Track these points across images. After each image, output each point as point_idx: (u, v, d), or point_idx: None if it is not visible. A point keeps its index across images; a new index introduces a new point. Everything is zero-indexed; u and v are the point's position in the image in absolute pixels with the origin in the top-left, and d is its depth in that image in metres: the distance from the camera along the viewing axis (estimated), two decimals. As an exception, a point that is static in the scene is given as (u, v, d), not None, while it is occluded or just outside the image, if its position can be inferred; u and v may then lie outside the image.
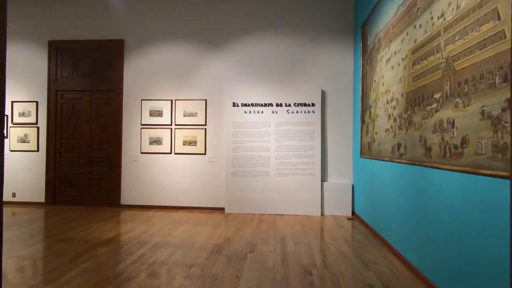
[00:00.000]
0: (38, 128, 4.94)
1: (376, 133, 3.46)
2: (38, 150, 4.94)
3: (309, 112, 4.52)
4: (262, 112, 4.58)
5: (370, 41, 3.73)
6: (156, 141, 4.79)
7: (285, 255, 2.77)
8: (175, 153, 4.75)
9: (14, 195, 4.95)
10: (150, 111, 4.81)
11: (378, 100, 3.40)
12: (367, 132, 3.83)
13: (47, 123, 4.91)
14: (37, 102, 4.94)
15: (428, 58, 2.21)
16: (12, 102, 4.97)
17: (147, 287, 2.11)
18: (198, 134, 4.72)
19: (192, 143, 4.73)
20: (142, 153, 4.81)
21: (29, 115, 4.95)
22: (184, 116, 4.75)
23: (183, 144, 4.74)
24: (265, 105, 4.58)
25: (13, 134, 4.96)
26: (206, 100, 4.73)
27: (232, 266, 2.51)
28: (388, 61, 3.10)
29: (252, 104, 4.59)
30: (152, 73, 4.82)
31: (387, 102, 3.11)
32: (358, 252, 2.89)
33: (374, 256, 2.77)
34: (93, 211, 4.50)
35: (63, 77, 4.94)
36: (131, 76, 4.85)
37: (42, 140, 4.94)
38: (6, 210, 4.53)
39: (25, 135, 4.95)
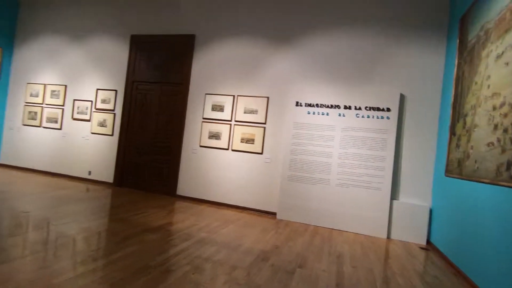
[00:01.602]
0: (114, 114, 5.38)
1: (472, 148, 2.77)
2: (112, 135, 5.38)
3: (382, 117, 3.95)
4: (327, 114, 4.17)
5: (473, 35, 3.04)
6: (215, 136, 4.77)
7: (341, 278, 2.35)
8: (232, 150, 4.66)
9: (90, 173, 5.48)
10: (212, 106, 4.82)
11: (479, 106, 2.72)
12: (458, 146, 3.13)
13: (122, 111, 5.32)
14: (116, 91, 5.40)
15: None
16: (97, 89, 5.52)
17: (185, 284, 1.95)
18: (257, 132, 4.55)
19: (250, 141, 4.57)
20: (201, 146, 4.85)
21: (109, 102, 5.43)
22: (244, 112, 4.63)
23: (241, 141, 4.62)
24: (332, 106, 4.16)
25: (95, 118, 5.50)
26: (268, 98, 4.53)
27: (278, 279, 2.20)
28: (499, 56, 2.44)
29: (317, 105, 4.22)
30: (218, 67, 4.83)
31: (494, 109, 2.44)
32: (437, 292, 2.30)
33: (459, 302, 2.16)
34: (151, 198, 4.66)
35: (140, 69, 5.30)
36: (198, 70, 4.94)
37: (116, 125, 5.37)
38: (81, 186, 5.01)
39: (104, 120, 5.44)
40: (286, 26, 4.51)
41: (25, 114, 6.10)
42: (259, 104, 4.56)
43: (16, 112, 6.20)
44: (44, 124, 5.92)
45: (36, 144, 5.95)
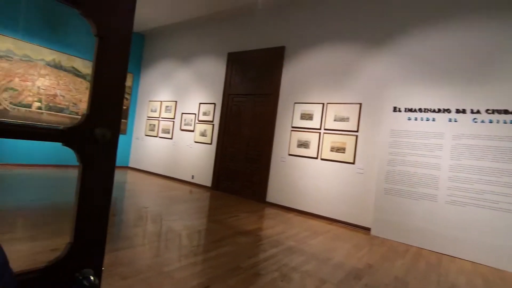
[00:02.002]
0: (213, 125, 5.99)
1: None
2: (211, 143, 5.99)
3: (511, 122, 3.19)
4: (433, 120, 3.63)
5: None
6: (304, 145, 4.75)
7: (455, 315, 1.96)
8: (321, 159, 4.54)
9: (193, 177, 6.22)
10: (301, 114, 4.83)
11: None
12: None
13: (219, 122, 5.88)
14: (214, 104, 6.01)
15: None
16: (199, 103, 6.27)
17: (272, 290, 1.98)
18: (348, 140, 4.31)
19: (341, 150, 4.37)
20: (289, 155, 4.90)
21: (209, 114, 6.08)
22: (334, 120, 4.47)
23: (331, 150, 4.46)
24: (439, 111, 3.60)
25: (197, 129, 6.25)
26: (360, 104, 4.25)
27: (373, 302, 2.00)
28: None
29: (420, 110, 3.72)
30: (307, 76, 4.83)
31: None
32: None
33: None
34: (243, 202, 4.95)
35: (234, 83, 5.77)
36: (287, 80, 5.06)
37: (214, 135, 5.96)
38: (186, 188, 5.73)
39: (204, 130, 6.12)
40: (379, 27, 4.18)
41: (146, 127, 7.41)
42: (351, 111, 4.33)
43: (141, 125, 7.60)
44: (160, 134, 7.06)
45: (154, 151, 7.13)
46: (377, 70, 4.17)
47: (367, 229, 3.99)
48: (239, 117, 5.64)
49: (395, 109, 3.90)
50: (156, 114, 7.21)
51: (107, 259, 2.16)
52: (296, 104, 4.90)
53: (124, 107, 7.49)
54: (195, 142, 6.27)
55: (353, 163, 4.23)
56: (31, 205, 3.45)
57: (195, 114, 6.35)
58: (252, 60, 5.54)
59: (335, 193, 4.35)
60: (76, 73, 6.35)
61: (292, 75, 5.01)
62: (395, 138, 3.85)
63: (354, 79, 4.35)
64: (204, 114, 6.17)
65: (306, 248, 2.96)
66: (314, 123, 4.67)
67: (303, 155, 4.73)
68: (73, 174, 5.39)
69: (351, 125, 4.31)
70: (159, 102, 7.16)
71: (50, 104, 6.01)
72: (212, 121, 6.02)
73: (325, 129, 4.55)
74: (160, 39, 7.41)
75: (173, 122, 6.80)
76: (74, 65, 6.32)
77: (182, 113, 6.61)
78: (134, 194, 4.80)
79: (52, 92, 6.03)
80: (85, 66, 6.45)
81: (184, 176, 6.38)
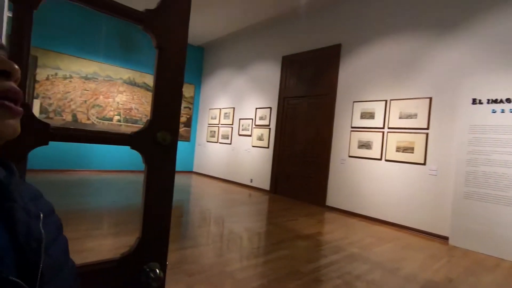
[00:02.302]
0: (269, 129, 6.05)
1: None
2: (268, 147, 6.06)
3: None
4: (526, 111, 3.06)
5: None
6: (365, 145, 4.47)
7: None
8: (386, 160, 4.20)
9: (251, 180, 6.36)
10: (361, 113, 4.56)
11: None
12: None
13: (275, 125, 5.92)
14: (270, 108, 6.07)
15: None
16: (256, 108, 6.41)
17: (334, 298, 1.88)
18: (417, 139, 3.91)
19: (408, 149, 3.98)
20: (349, 156, 4.66)
21: (265, 118, 6.17)
22: (400, 118, 4.11)
23: (396, 151, 4.10)
24: (535, 99, 3.02)
25: (254, 133, 6.38)
26: (430, 99, 3.83)
27: (454, 321, 1.75)
28: None
29: (508, 100, 3.18)
30: (366, 73, 4.55)
31: None
32: None
33: None
34: (301, 206, 4.87)
35: (289, 85, 5.76)
36: (344, 79, 4.84)
37: (271, 139, 6.01)
38: (245, 191, 5.88)
39: (261, 135, 6.22)
40: (449, 9, 3.71)
41: (208, 133, 7.86)
42: (419, 107, 3.92)
43: (202, 132, 8.10)
44: (220, 140, 7.41)
45: (215, 156, 7.51)
46: (449, 58, 3.71)
47: (443, 238, 3.54)
48: (295, 119, 5.59)
49: (474, 101, 3.40)
50: (216, 121, 7.60)
51: (174, 256, 2.33)
52: (355, 103, 4.65)
53: (188, 117, 8.08)
54: (253, 146, 6.40)
55: (424, 163, 3.81)
56: (114, 206, 3.94)
57: (252, 119, 6.51)
58: (306, 61, 5.46)
59: (403, 197, 3.97)
60: (147, 87, 7.09)
61: (349, 73, 4.78)
62: (476, 135, 3.35)
63: (421, 72, 3.94)
64: (261, 118, 6.28)
65: (371, 256, 2.75)
66: (376, 122, 4.36)
67: (365, 157, 4.45)
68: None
69: (419, 122, 3.91)
70: (218, 110, 7.53)
71: (127, 117, 6.82)
72: (268, 125, 6.09)
73: (389, 128, 4.21)
74: (218, 50, 7.82)
75: (232, 128, 7.07)
76: (145, 81, 7.07)
77: (240, 119, 6.83)
78: (198, 197, 5.12)
79: (128, 106, 6.84)
80: (154, 81, 7.16)
81: (243, 180, 6.56)
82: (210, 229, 3.21)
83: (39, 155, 5.50)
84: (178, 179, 6.22)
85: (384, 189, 4.18)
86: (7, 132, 0.32)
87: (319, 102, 5.20)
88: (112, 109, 6.60)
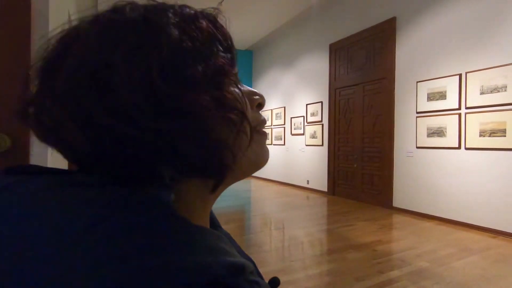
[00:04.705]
0: (322, 125, 5.57)
1: None
2: (322, 145, 5.58)
3: None
4: None
5: None
6: (437, 132, 3.67)
7: None
8: (466, 148, 3.36)
9: (308, 182, 5.95)
10: (428, 95, 3.78)
11: None
12: None
13: (328, 120, 5.41)
14: (321, 102, 5.59)
15: None
16: (306, 104, 6.00)
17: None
18: (509, 118, 3.00)
19: (497, 132, 3.09)
20: (417, 147, 3.89)
21: (317, 114, 5.71)
22: (481, 93, 3.23)
23: (480, 135, 3.23)
24: None
25: (307, 131, 5.97)
26: (525, 62, 2.90)
27: None
28: None
29: None
30: (431, 45, 3.75)
31: None
32: None
33: None
34: (363, 208, 4.27)
35: (340, 75, 5.20)
36: (404, 58, 4.10)
37: (325, 135, 5.51)
38: (302, 194, 5.51)
39: (314, 132, 5.77)
40: None
41: (262, 136, 7.72)
42: (508, 76, 3.01)
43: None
44: (274, 142, 7.19)
45: (270, 158, 7.30)
46: (549, 5, 2.75)
47: None
48: (349, 111, 5.01)
49: None
50: (268, 123, 7.42)
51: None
52: (419, 83, 3.88)
53: (241, 121, 8.10)
54: (306, 145, 6.00)
55: (523, 149, 2.89)
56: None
57: (303, 116, 6.11)
58: (356, 44, 4.84)
59: (494, 194, 3.09)
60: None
61: (409, 49, 4.03)
62: None
63: (506, 31, 3.03)
64: (312, 115, 5.84)
65: (446, 273, 2.14)
66: (449, 102, 3.54)
67: (438, 146, 3.65)
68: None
69: (511, 95, 3.00)
70: (270, 111, 7.34)
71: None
72: (321, 121, 5.61)
73: (467, 108, 3.36)
74: (265, 50, 7.66)
75: (284, 128, 6.78)
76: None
77: (291, 118, 6.50)
78: (255, 201, 5.03)
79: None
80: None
81: (299, 181, 6.20)
82: (271, 233, 3.00)
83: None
84: (238, 184, 6.21)
85: (466, 185, 3.33)
86: (267, 157, 0.35)
87: (376, 88, 4.54)
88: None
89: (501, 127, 3.07)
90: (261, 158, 0.34)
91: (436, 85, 3.69)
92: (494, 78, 3.13)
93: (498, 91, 3.10)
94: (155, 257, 0.18)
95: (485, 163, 3.18)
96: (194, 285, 0.18)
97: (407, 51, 4.05)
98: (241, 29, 6.63)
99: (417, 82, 3.91)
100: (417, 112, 3.91)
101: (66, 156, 0.27)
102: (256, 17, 6.06)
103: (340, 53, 5.17)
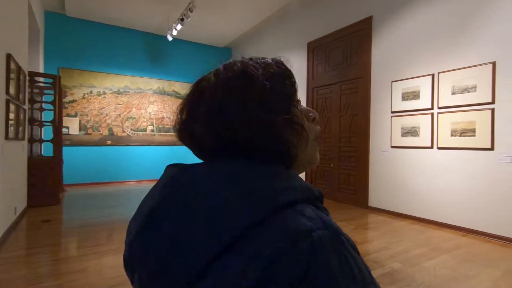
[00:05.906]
0: (300, 124, 5.52)
1: None
2: (300, 144, 5.53)
3: None
4: None
5: None
6: (411, 132, 3.69)
7: None
8: (438, 148, 3.39)
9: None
10: (402, 94, 3.80)
11: None
12: None
13: (306, 119, 5.36)
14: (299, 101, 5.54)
15: None
16: (285, 103, 5.93)
17: None
18: (478, 118, 3.05)
19: (467, 132, 3.14)
20: (392, 147, 3.91)
21: (295, 113, 5.65)
22: (453, 94, 3.27)
23: (452, 135, 3.27)
24: None
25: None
26: (493, 64, 2.95)
27: None
28: None
29: None
30: (405, 46, 3.77)
31: None
32: None
33: None
34: (340, 208, 4.25)
35: (318, 74, 5.17)
36: (379, 57, 4.11)
37: (303, 135, 5.46)
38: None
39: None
40: None
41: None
42: (479, 76, 3.06)
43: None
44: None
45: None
46: (516, 7, 2.80)
47: (530, 246, 2.65)
48: (327, 110, 4.98)
49: (560, 58, 2.48)
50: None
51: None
52: (394, 83, 3.90)
53: (220, 120, 7.94)
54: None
55: (492, 148, 2.95)
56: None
57: (281, 115, 6.04)
58: (333, 44, 4.82)
59: (464, 193, 3.13)
60: (177, 95, 7.12)
61: (385, 48, 4.04)
62: None
63: (480, 31, 3.08)
64: (290, 113, 5.77)
65: (417, 274, 2.11)
66: (422, 102, 3.57)
67: (412, 146, 3.68)
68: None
69: (480, 95, 3.05)
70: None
71: (160, 126, 6.92)
72: (298, 120, 5.55)
73: (439, 108, 3.40)
74: (243, 48, 7.53)
75: (263, 127, 6.69)
76: (175, 88, 7.12)
77: (270, 117, 6.41)
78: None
79: (160, 116, 6.93)
80: (183, 88, 7.17)
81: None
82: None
83: (80, 170, 5.84)
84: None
85: (438, 184, 3.37)
86: (318, 159, 0.47)
87: (352, 88, 4.53)
88: (145, 119, 6.75)
89: (471, 127, 3.11)
90: (314, 159, 0.46)
91: (410, 85, 3.72)
92: (465, 78, 3.18)
93: (469, 91, 3.15)
94: (284, 182, 0.35)
95: (456, 163, 3.22)
96: (310, 197, 0.36)
97: (383, 51, 4.06)
98: (220, 27, 6.48)
99: (392, 81, 3.93)
100: (392, 112, 3.93)
101: (196, 152, 0.44)
102: (235, 14, 5.92)
103: (318, 52, 5.14)
